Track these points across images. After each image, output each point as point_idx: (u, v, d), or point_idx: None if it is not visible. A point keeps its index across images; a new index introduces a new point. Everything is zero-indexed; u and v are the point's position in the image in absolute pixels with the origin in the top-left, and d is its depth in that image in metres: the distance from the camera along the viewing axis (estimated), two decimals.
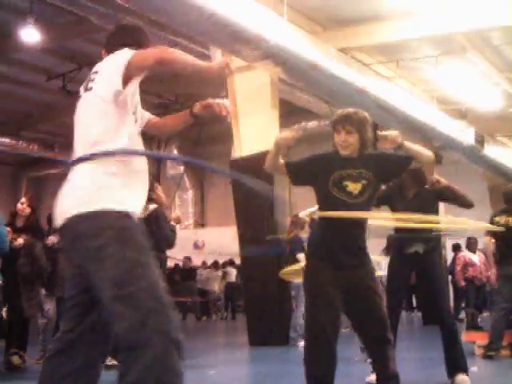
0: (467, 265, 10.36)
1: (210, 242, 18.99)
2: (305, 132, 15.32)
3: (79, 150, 2.62)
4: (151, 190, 5.71)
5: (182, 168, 21.17)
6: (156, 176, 20.85)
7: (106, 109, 2.57)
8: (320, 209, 3.77)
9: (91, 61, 2.73)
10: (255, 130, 9.25)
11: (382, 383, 3.60)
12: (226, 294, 17.32)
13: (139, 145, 2.71)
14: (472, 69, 11.19)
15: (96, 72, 2.68)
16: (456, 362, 4.96)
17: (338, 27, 9.68)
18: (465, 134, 12.25)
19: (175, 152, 20.66)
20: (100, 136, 2.57)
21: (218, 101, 2.86)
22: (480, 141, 12.64)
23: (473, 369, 5.42)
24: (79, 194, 2.54)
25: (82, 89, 2.74)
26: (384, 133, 3.67)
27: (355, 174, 3.58)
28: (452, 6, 8.82)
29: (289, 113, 13.97)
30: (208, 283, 17.32)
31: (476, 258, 10.46)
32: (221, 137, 13.49)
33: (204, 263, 17.71)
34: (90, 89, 2.65)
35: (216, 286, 17.24)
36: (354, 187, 3.57)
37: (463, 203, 5.32)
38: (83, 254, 2.54)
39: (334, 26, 9.71)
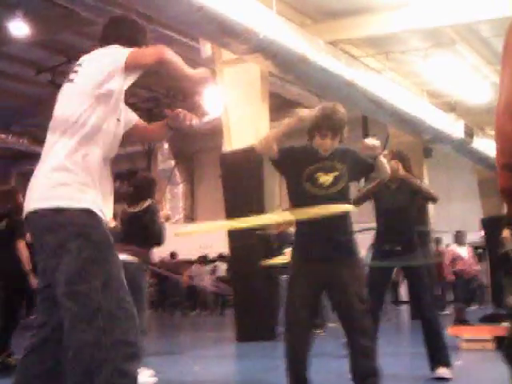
0: (456, 258, 10.38)
1: (200, 235, 18.92)
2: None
3: (51, 138, 2.60)
4: (153, 189, 5.68)
5: (172, 162, 21.13)
6: (147, 171, 20.83)
7: (88, 102, 2.55)
8: (290, 202, 3.81)
9: (80, 54, 2.71)
10: (245, 124, 9.22)
11: (359, 381, 3.60)
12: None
13: (115, 144, 2.68)
14: (461, 61, 11.20)
15: (80, 64, 2.66)
16: (437, 356, 4.98)
17: (327, 20, 9.65)
18: (454, 127, 12.28)
19: (166, 146, 20.61)
20: (75, 125, 2.54)
21: (184, 111, 2.84)
22: (469, 134, 12.67)
23: (457, 362, 5.45)
24: (41, 189, 2.53)
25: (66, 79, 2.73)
26: (367, 141, 3.67)
27: (328, 165, 3.63)
28: None
29: (279, 106, 13.95)
30: (196, 279, 17.29)
31: (464, 252, 10.48)
32: (211, 131, 13.48)
33: (201, 258, 17.66)
34: (72, 80, 2.63)
35: (205, 281, 17.21)
36: (325, 178, 3.61)
37: (426, 195, 5.32)
38: (44, 249, 2.54)
39: (324, 18, 9.68)
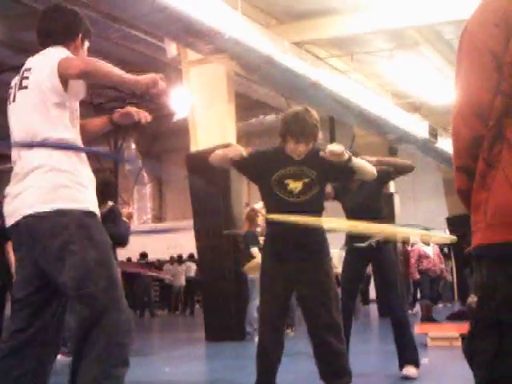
0: (421, 257, 10.50)
1: (168, 236, 18.90)
2: (263, 126, 15.38)
3: (22, 150, 2.59)
4: (115, 190, 5.64)
5: (139, 162, 21.01)
6: (114, 171, 20.67)
7: (49, 110, 2.55)
8: (264, 206, 3.81)
9: None
10: (211, 124, 9.21)
11: (330, 381, 3.58)
12: (185, 289, 17.28)
13: (79, 144, 2.69)
14: (425, 62, 11.36)
15: (29, 69, 2.64)
16: (406, 354, 5.02)
17: (292, 21, 9.70)
18: (419, 127, 12.45)
19: (133, 146, 20.49)
20: (41, 135, 2.54)
21: (136, 109, 2.82)
22: (434, 134, 12.85)
23: (424, 360, 5.51)
24: (36, 193, 2.51)
25: (14, 85, 2.70)
26: (330, 148, 3.53)
27: (298, 171, 3.58)
28: (405, 0, 8.92)
29: (246, 106, 13.98)
30: (174, 278, 17.27)
31: (430, 250, 10.60)
32: (178, 131, 13.44)
33: (171, 258, 17.62)
34: (25, 87, 2.61)
35: (181, 281, 17.20)
36: (294, 186, 3.56)
37: (404, 169, 5.31)
38: (43, 254, 2.52)
39: (289, 19, 9.73)
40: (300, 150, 3.56)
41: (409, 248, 13.42)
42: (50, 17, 2.80)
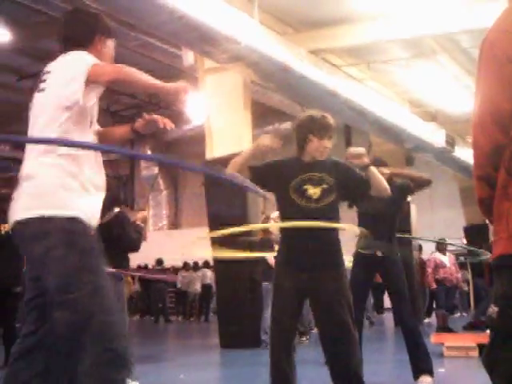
0: (438, 266, 10.42)
1: (183, 242, 18.90)
2: (278, 133, 15.38)
3: (31, 153, 2.61)
4: (119, 197, 5.65)
5: (155, 169, 21.07)
6: (130, 177, 20.76)
7: (61, 113, 2.55)
8: (280, 214, 3.79)
9: None
10: (227, 131, 9.24)
11: None
12: (200, 296, 17.28)
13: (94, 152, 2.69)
14: (442, 71, 11.31)
15: (48, 72, 2.65)
16: (419, 363, 4.98)
17: (309, 29, 9.71)
18: (435, 136, 12.38)
19: (149, 153, 20.54)
20: (49, 134, 2.55)
21: (158, 116, 2.80)
22: (451, 142, 12.77)
23: (441, 370, 5.47)
24: (26, 198, 2.54)
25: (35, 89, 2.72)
26: (354, 150, 3.59)
27: (316, 177, 3.57)
28: (422, 9, 8.90)
29: (262, 114, 13.97)
30: (188, 285, 17.28)
31: (446, 260, 10.52)
32: (194, 138, 13.50)
33: (186, 264, 17.63)
34: (42, 90, 2.63)
35: (197, 288, 17.21)
36: (313, 191, 3.55)
37: (422, 183, 5.28)
38: (31, 258, 2.56)
39: (305, 27, 9.74)
40: (325, 145, 3.57)
41: (423, 257, 13.35)
42: (69, 22, 2.83)
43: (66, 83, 2.54)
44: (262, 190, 3.65)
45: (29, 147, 2.62)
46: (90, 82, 2.52)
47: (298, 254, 3.60)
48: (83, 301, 2.41)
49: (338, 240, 3.71)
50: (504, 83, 1.57)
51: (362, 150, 3.57)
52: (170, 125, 2.77)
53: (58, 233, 2.46)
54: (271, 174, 3.64)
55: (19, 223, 2.52)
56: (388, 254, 5.14)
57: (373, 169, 3.58)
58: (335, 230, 3.67)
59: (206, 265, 17.21)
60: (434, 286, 10.29)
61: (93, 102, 2.64)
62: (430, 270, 10.33)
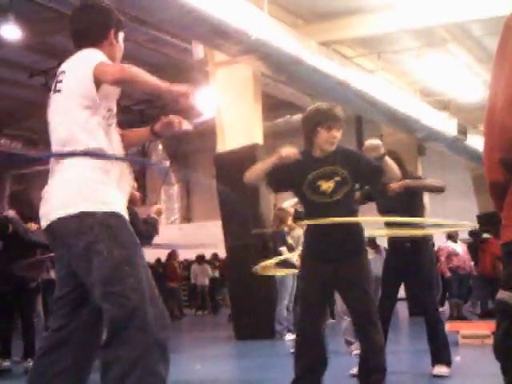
0: (451, 255, 10.41)
1: (196, 236, 18.98)
2: (289, 126, 15.37)
3: (59, 150, 2.64)
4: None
5: (167, 163, 21.11)
6: (141, 172, 20.82)
7: (83, 113, 2.58)
8: (304, 211, 3.84)
9: None
10: (238, 124, 9.26)
11: (364, 376, 3.64)
12: (208, 289, 17.36)
13: (117, 146, 2.71)
14: (453, 60, 11.26)
15: (63, 72, 2.67)
16: (438, 353, 5.01)
17: (319, 21, 9.69)
18: (448, 125, 12.33)
19: (160, 147, 20.59)
20: (73, 139, 2.58)
21: (175, 117, 2.82)
22: (463, 131, 12.72)
23: (456, 358, 5.48)
24: (64, 196, 2.57)
25: (52, 88, 2.74)
26: (371, 142, 3.56)
27: (328, 171, 3.58)
28: None
29: (272, 106, 13.97)
30: (197, 278, 17.34)
31: (459, 248, 10.51)
32: (205, 131, 13.52)
33: (199, 257, 17.68)
34: (59, 90, 2.65)
35: (206, 280, 17.28)
36: (327, 186, 3.57)
37: (435, 190, 5.32)
38: (71, 253, 2.58)
39: (315, 19, 9.72)
40: (334, 135, 3.57)
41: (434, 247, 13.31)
42: (79, 17, 2.81)
43: (79, 82, 2.56)
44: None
45: (59, 147, 2.63)
46: (97, 80, 2.53)
47: (321, 247, 3.64)
48: (126, 294, 2.44)
49: (361, 229, 3.76)
50: None
51: (378, 142, 3.56)
52: (187, 126, 2.80)
53: (99, 227, 2.50)
54: (284, 176, 3.65)
55: (59, 220, 2.54)
56: (418, 242, 5.13)
57: (387, 158, 3.57)
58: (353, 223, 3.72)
59: (215, 257, 17.27)
60: (449, 274, 10.27)
61: (111, 101, 2.66)
62: (443, 259, 10.31)
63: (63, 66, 2.70)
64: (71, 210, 2.52)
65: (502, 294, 1.60)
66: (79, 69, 2.59)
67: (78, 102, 2.57)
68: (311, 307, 3.65)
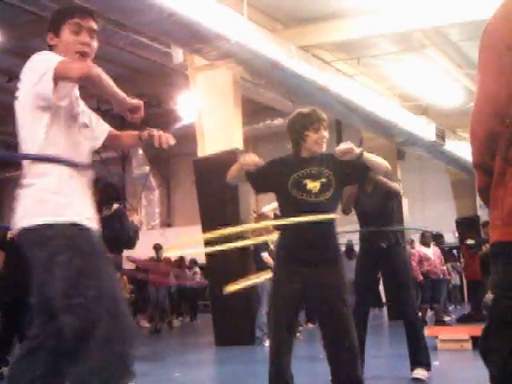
0: (422, 259, 10.45)
1: (176, 241, 18.89)
2: (270, 130, 15.39)
3: (27, 161, 2.62)
4: (118, 193, 5.70)
5: (147, 168, 21.02)
6: (121, 177, 20.72)
7: (40, 116, 2.55)
8: (281, 211, 3.80)
9: None
10: (219, 129, 9.24)
11: None
12: (190, 295, 17.27)
13: (82, 150, 2.69)
14: (432, 65, 11.33)
15: (20, 79, 2.64)
16: (417, 357, 5.03)
17: (298, 25, 9.71)
18: (426, 130, 12.42)
19: (140, 152, 20.51)
20: (30, 144, 2.57)
21: (160, 133, 2.80)
22: (441, 136, 12.82)
23: (435, 363, 5.50)
24: (24, 206, 2.56)
25: None
26: (339, 147, 3.53)
27: (315, 171, 3.58)
28: (410, 3, 8.91)
29: (253, 111, 13.99)
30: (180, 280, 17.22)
31: (430, 252, 10.55)
32: (186, 136, 13.49)
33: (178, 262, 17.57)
34: (17, 98, 2.63)
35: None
36: (313, 185, 3.55)
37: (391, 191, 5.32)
38: (35, 264, 2.56)
39: (295, 23, 9.74)
40: (323, 135, 3.58)
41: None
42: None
43: (35, 84, 2.51)
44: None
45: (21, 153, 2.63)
46: (59, 78, 2.47)
47: (297, 249, 3.60)
48: (87, 305, 2.41)
49: (336, 234, 3.73)
50: (501, 71, 1.57)
51: (348, 144, 3.52)
52: (168, 142, 2.79)
53: (60, 238, 2.48)
54: (269, 174, 3.63)
55: (22, 231, 2.54)
56: (393, 245, 5.18)
57: (366, 154, 3.56)
58: (334, 225, 3.68)
59: (194, 262, 17.18)
60: (421, 278, 10.30)
61: (67, 100, 2.60)
62: (414, 264, 10.33)
63: (21, 74, 2.66)
64: (31, 221, 2.51)
65: (487, 297, 1.64)
66: (34, 71, 2.53)
67: (32, 103, 2.54)
68: (282, 311, 3.58)
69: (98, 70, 2.48)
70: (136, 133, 2.94)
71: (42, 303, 2.65)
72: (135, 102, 2.60)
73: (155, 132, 2.81)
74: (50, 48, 2.71)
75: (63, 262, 2.45)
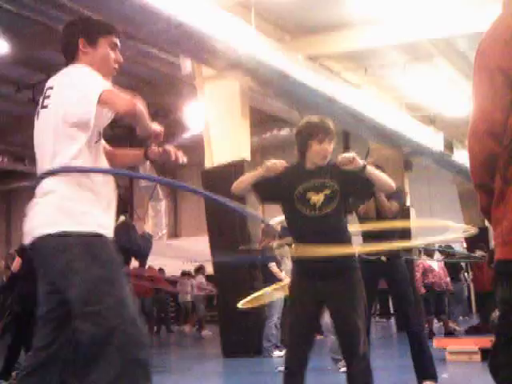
0: (426, 271, 10.37)
1: (184, 251, 18.90)
2: (277, 140, 15.39)
3: (42, 167, 2.62)
4: (126, 204, 5.71)
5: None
6: (129, 188, 20.76)
7: (70, 132, 2.56)
8: (287, 223, 3.77)
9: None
10: (226, 139, 9.25)
11: None
12: (192, 305, 17.25)
13: (104, 164, 2.71)
14: (439, 75, 11.32)
15: (51, 88, 2.65)
16: (423, 369, 4.97)
17: (306, 35, 9.72)
18: (434, 140, 12.39)
19: (148, 163, 20.51)
20: (58, 156, 2.57)
21: (172, 148, 2.81)
22: (449, 146, 12.79)
23: (444, 375, 5.45)
24: (45, 214, 2.56)
25: (40, 102, 2.72)
26: (344, 157, 3.49)
27: (318, 184, 3.54)
28: (418, 13, 8.92)
29: (260, 121, 14.00)
30: (181, 294, 17.21)
31: (435, 264, 10.49)
32: (193, 146, 13.52)
33: (184, 273, 17.54)
34: (46, 106, 2.63)
35: (189, 296, 17.14)
36: (316, 198, 3.51)
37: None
38: (52, 271, 2.57)
39: (302, 33, 9.75)
40: (326, 149, 3.53)
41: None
42: (61, 36, 2.85)
43: (76, 102, 2.52)
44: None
45: (45, 164, 2.61)
46: (103, 105, 2.50)
47: (311, 264, 3.55)
48: (105, 313, 2.42)
49: (351, 243, 3.67)
50: (496, 93, 1.58)
51: (351, 154, 3.48)
52: (182, 158, 2.81)
53: (78, 246, 2.50)
54: (275, 187, 3.61)
55: (40, 239, 2.54)
56: (393, 257, 5.16)
57: (369, 168, 3.51)
58: (347, 235, 3.64)
59: (199, 270, 17.14)
60: (423, 290, 10.23)
61: (102, 125, 2.66)
62: (418, 275, 10.26)
63: (51, 82, 2.69)
64: (52, 228, 2.51)
65: (493, 314, 1.64)
66: (77, 87, 2.55)
67: (66, 120, 2.54)
68: (299, 325, 3.57)
69: (141, 107, 2.50)
70: (141, 152, 2.92)
71: (50, 312, 2.65)
72: (158, 129, 2.61)
73: (166, 148, 2.81)
74: (75, 52, 2.73)
75: (81, 269, 2.47)
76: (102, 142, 2.87)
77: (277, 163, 3.50)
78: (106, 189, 2.68)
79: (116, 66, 2.79)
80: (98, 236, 2.55)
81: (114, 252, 2.60)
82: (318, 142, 3.54)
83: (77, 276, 2.46)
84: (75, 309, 2.47)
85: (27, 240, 2.62)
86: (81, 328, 2.44)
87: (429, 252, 10.57)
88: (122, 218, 5.65)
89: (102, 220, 2.60)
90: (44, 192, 2.59)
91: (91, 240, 2.52)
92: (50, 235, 2.51)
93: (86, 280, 2.46)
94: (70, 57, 2.75)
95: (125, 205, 5.81)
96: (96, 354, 2.40)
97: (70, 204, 2.54)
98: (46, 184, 2.58)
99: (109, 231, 2.64)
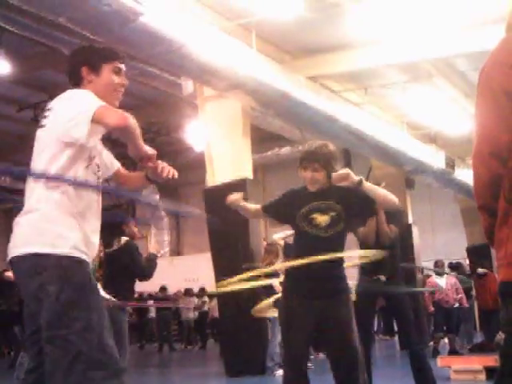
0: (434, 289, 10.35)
1: (186, 269, 18.89)
2: (278, 158, 15.42)
3: (34, 188, 2.62)
4: (124, 223, 5.69)
5: (157, 197, 21.06)
6: (131, 203, 20.75)
7: (62, 149, 2.58)
8: (294, 243, 3.80)
9: (62, 91, 2.75)
10: (228, 158, 9.27)
11: None
12: (196, 323, 17.21)
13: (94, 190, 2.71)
14: (439, 94, 11.37)
15: (50, 109, 2.67)
16: None
17: (306, 56, 9.78)
18: (435, 158, 12.42)
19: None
20: (46, 173, 2.58)
21: (161, 164, 2.80)
22: (451, 164, 12.81)
23: None
24: (24, 233, 2.57)
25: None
26: (338, 173, 3.49)
27: (323, 205, 3.57)
28: (418, 33, 8.98)
29: (261, 139, 14.03)
30: (183, 311, 17.19)
31: (443, 282, 10.43)
32: (195, 164, 13.54)
33: (186, 291, 17.54)
34: (44, 126, 2.65)
35: (190, 315, 17.11)
36: (322, 219, 3.55)
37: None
38: (27, 294, 2.57)
39: (303, 54, 9.81)
40: (307, 176, 3.57)
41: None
42: (67, 65, 2.89)
43: (70, 120, 2.54)
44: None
45: (31, 182, 2.64)
46: (96, 121, 2.51)
47: (307, 283, 3.58)
48: (71, 338, 2.40)
49: (343, 267, 3.71)
50: (500, 115, 1.59)
51: (344, 171, 3.49)
52: (173, 175, 2.81)
53: (52, 269, 2.48)
54: (282, 207, 3.72)
55: (16, 258, 2.55)
56: (392, 278, 5.15)
57: (366, 184, 3.51)
58: (343, 257, 3.68)
59: (202, 291, 17.14)
60: (432, 308, 10.20)
61: (94, 142, 2.65)
62: (426, 293, 10.24)
63: (51, 103, 2.71)
64: (28, 249, 2.52)
65: (498, 336, 1.64)
66: (72, 107, 2.58)
67: (60, 138, 2.56)
68: (294, 343, 3.56)
69: (133, 122, 2.51)
70: (143, 174, 2.93)
71: (33, 334, 2.63)
72: (150, 151, 2.62)
73: (158, 165, 2.78)
74: (79, 80, 2.77)
75: (53, 292, 2.45)
76: (118, 164, 2.92)
77: (234, 199, 3.75)
78: (90, 211, 2.67)
79: (122, 89, 2.83)
80: (73, 258, 2.53)
81: (87, 275, 2.58)
82: (302, 169, 3.61)
83: (48, 299, 2.45)
84: (43, 332, 2.46)
85: (9, 257, 2.62)
86: (47, 350, 2.44)
87: (438, 271, 10.54)
88: (125, 239, 5.63)
89: (78, 242, 2.57)
90: (25, 211, 2.60)
91: (65, 262, 2.50)
92: (26, 255, 2.51)
93: (56, 303, 2.44)
94: (72, 83, 2.80)
95: (118, 226, 5.75)
96: (61, 380, 2.38)
97: (46, 226, 2.53)
98: (28, 202, 2.60)
99: (87, 254, 2.61)
